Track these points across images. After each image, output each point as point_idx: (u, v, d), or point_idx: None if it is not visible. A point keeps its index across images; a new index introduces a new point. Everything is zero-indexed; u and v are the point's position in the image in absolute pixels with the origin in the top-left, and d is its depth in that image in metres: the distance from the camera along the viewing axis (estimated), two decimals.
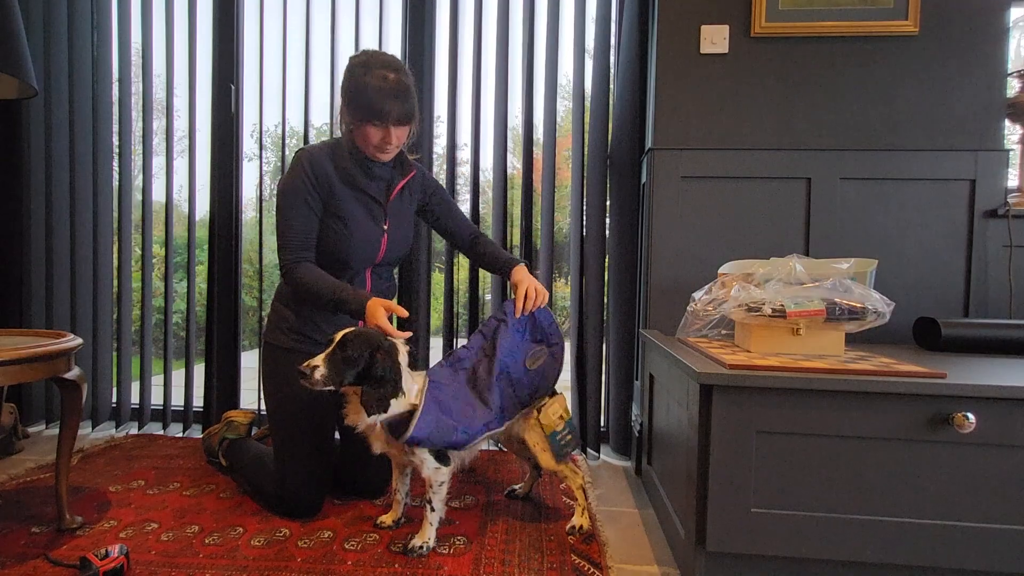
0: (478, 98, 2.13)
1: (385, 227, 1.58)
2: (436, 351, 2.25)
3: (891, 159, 1.76)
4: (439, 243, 2.35)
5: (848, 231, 1.78)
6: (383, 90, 1.38)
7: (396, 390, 1.27)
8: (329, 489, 1.63)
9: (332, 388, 1.25)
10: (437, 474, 1.36)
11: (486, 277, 2.22)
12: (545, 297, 1.52)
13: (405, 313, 1.38)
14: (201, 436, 1.98)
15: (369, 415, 1.26)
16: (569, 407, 1.54)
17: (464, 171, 2.27)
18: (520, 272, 1.56)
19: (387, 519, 1.47)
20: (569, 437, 1.48)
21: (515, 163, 2.26)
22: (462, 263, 2.24)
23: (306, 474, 1.53)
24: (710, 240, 1.82)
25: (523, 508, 1.61)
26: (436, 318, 2.69)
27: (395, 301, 1.72)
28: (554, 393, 1.50)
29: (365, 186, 1.54)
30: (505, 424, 1.43)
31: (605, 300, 2.11)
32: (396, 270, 1.81)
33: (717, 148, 1.81)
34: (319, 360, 1.22)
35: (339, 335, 1.26)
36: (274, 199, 2.47)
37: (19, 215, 2.26)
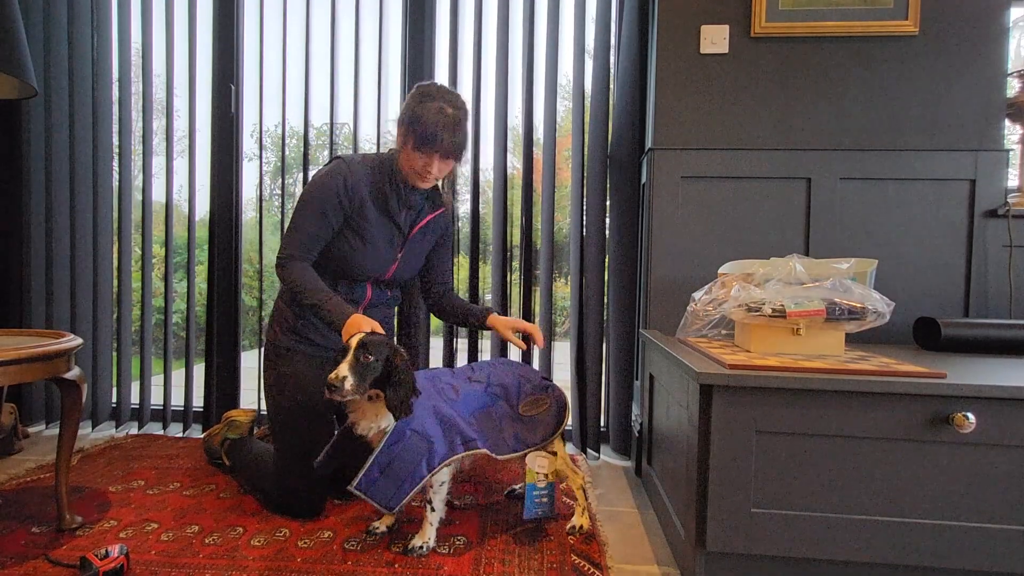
0: (478, 98, 2.13)
1: (399, 255, 1.61)
2: (436, 351, 2.25)
3: (891, 159, 1.76)
4: None
5: (848, 231, 1.78)
6: (439, 122, 1.42)
7: (414, 390, 1.29)
8: (330, 489, 1.63)
9: (358, 397, 1.25)
10: (438, 474, 1.36)
11: (486, 277, 2.22)
12: (536, 330, 1.63)
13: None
14: (202, 437, 1.97)
15: (397, 418, 1.28)
16: (568, 460, 1.49)
17: (464, 171, 2.27)
18: (498, 318, 1.65)
19: (381, 525, 1.45)
20: (545, 500, 1.45)
21: (515, 163, 2.26)
22: (462, 263, 2.24)
23: (306, 473, 1.52)
24: (710, 240, 1.82)
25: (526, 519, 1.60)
26: (436, 318, 2.69)
27: (395, 314, 1.74)
28: (555, 451, 1.47)
29: (395, 213, 1.56)
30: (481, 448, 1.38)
31: (605, 300, 2.11)
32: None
33: (717, 148, 1.81)
34: (345, 369, 1.22)
35: (354, 340, 1.26)
36: (274, 199, 2.48)
37: (19, 215, 2.26)
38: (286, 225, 1.61)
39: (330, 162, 1.55)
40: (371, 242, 1.55)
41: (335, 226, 1.52)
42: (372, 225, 1.54)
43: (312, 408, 1.54)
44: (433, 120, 1.41)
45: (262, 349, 1.66)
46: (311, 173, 2.28)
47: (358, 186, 1.50)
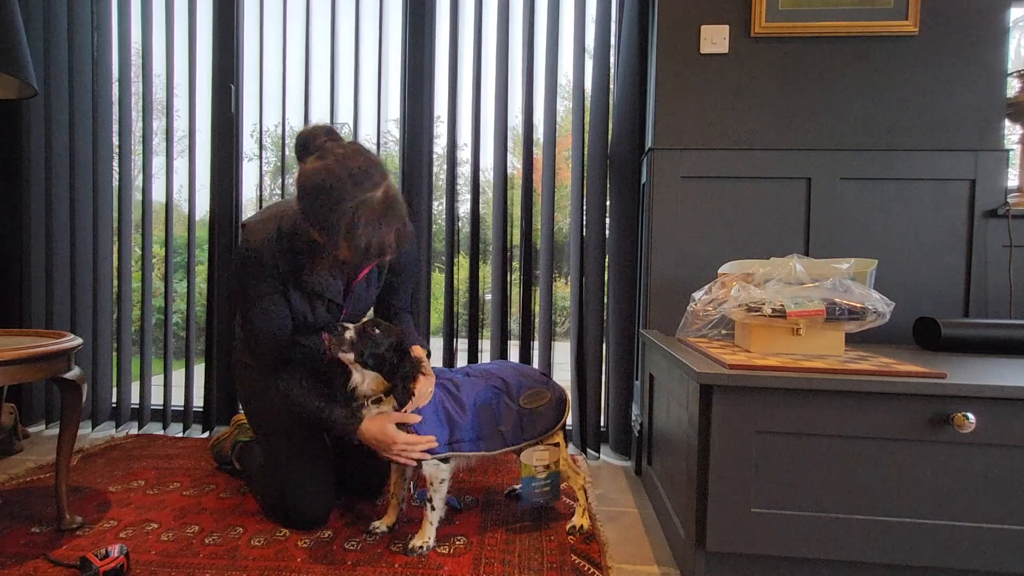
0: (478, 98, 2.13)
1: (343, 314, 1.47)
2: (436, 351, 2.25)
3: (891, 159, 1.76)
4: (439, 243, 2.35)
5: (848, 231, 1.78)
6: (376, 220, 1.17)
7: (409, 393, 1.31)
8: (334, 494, 1.56)
9: (350, 358, 1.27)
10: (437, 471, 1.36)
11: (486, 277, 2.22)
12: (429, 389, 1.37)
13: (417, 419, 1.32)
14: (210, 443, 1.95)
15: (401, 406, 1.31)
16: (568, 460, 1.50)
17: (464, 171, 2.28)
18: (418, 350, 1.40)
19: (381, 525, 1.45)
20: (547, 489, 1.45)
21: (515, 163, 2.26)
22: (462, 263, 2.24)
23: (309, 486, 1.46)
24: (710, 240, 1.82)
25: (523, 508, 1.61)
26: (436, 318, 2.69)
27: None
28: (557, 442, 1.48)
29: (323, 289, 1.38)
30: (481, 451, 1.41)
31: (605, 300, 2.11)
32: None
33: (717, 148, 1.81)
34: (351, 326, 1.25)
35: (366, 317, 1.30)
36: (274, 199, 2.47)
37: (19, 215, 2.26)
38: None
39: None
40: (301, 320, 1.41)
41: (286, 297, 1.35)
42: (297, 303, 1.38)
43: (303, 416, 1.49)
44: (371, 233, 1.16)
45: (233, 369, 1.59)
46: None
47: (276, 265, 1.32)
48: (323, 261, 1.28)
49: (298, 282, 1.36)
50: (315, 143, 1.21)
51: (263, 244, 1.31)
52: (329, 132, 1.23)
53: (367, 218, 1.15)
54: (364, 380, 1.32)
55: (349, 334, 1.25)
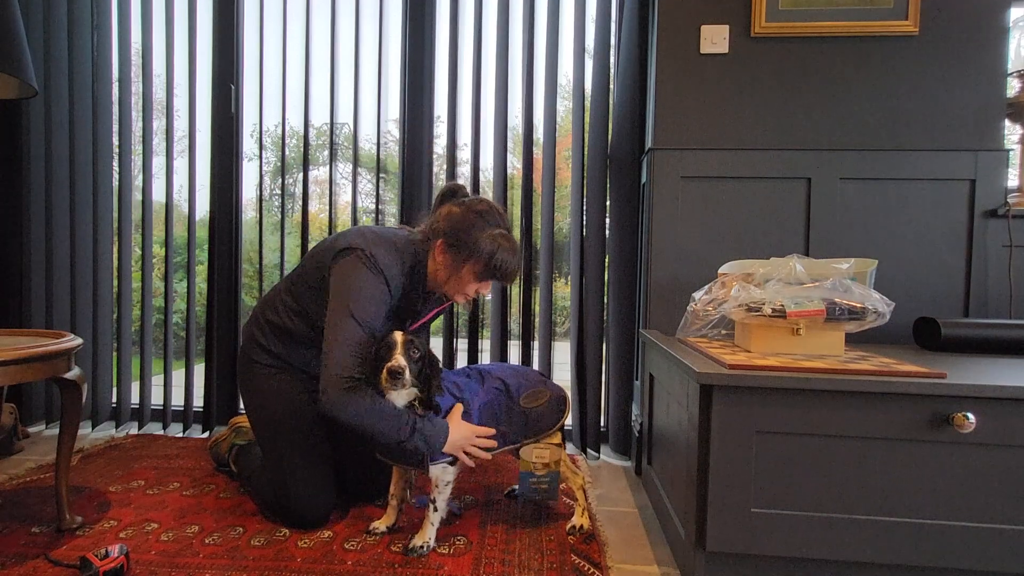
0: (478, 98, 2.13)
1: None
2: (436, 351, 2.24)
3: (891, 159, 1.76)
4: None
5: (848, 231, 1.78)
6: (511, 256, 1.40)
7: (440, 388, 1.36)
8: (336, 495, 1.55)
9: (406, 388, 1.28)
10: (444, 473, 1.36)
11: None
12: None
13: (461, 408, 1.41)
14: (208, 444, 1.95)
15: (429, 409, 1.35)
16: (568, 461, 1.50)
17: (464, 171, 2.27)
18: None
19: (381, 525, 1.45)
20: (544, 487, 1.45)
21: (515, 163, 2.26)
22: None
23: (310, 485, 1.46)
24: (710, 240, 1.82)
25: (523, 508, 1.61)
26: None
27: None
28: (558, 442, 1.48)
29: (407, 315, 1.51)
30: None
31: (605, 300, 2.12)
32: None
33: (717, 148, 1.81)
34: (403, 360, 1.25)
35: (398, 336, 1.28)
36: (274, 199, 2.47)
37: (19, 215, 2.26)
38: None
39: (349, 253, 1.37)
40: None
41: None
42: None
43: (304, 416, 1.50)
44: (507, 257, 1.39)
45: (239, 366, 1.60)
46: (311, 173, 2.28)
47: (399, 292, 1.43)
48: (428, 291, 1.49)
49: (399, 313, 1.49)
50: (460, 192, 1.49)
51: (396, 277, 1.41)
52: (462, 187, 1.54)
53: (506, 246, 1.39)
54: (401, 395, 1.31)
55: (408, 372, 1.24)
